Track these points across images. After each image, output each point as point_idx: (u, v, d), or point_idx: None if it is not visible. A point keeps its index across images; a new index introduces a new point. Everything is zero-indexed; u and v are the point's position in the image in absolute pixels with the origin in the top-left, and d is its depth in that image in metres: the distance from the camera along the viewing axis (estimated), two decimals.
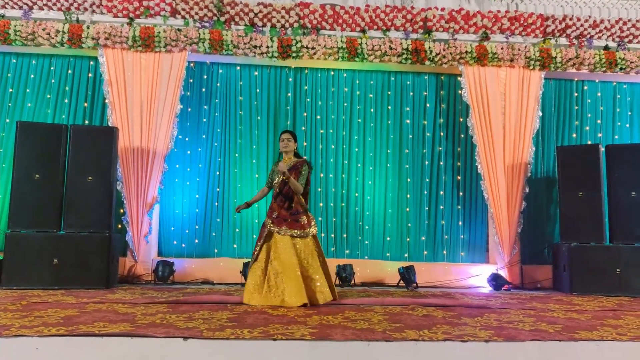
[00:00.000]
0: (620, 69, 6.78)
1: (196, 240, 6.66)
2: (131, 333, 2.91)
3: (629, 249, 5.76)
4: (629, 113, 7.20)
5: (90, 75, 6.71)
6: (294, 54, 6.48)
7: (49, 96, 6.62)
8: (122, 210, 6.24)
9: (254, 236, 6.47)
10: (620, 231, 5.89)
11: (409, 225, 6.90)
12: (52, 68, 6.68)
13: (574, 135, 7.13)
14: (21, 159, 5.41)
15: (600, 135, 7.12)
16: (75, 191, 5.49)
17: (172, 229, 6.65)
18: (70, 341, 2.80)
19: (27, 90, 6.60)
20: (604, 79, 7.15)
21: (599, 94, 7.20)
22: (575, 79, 7.17)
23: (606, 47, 6.86)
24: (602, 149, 6.14)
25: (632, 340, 3.07)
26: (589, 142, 7.00)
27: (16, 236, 5.29)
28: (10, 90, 6.59)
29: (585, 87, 7.20)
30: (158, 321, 3.33)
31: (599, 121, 7.16)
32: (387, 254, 6.81)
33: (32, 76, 6.64)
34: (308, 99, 7.00)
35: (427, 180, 6.98)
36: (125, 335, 2.87)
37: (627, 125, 7.17)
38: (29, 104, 6.58)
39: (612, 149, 6.12)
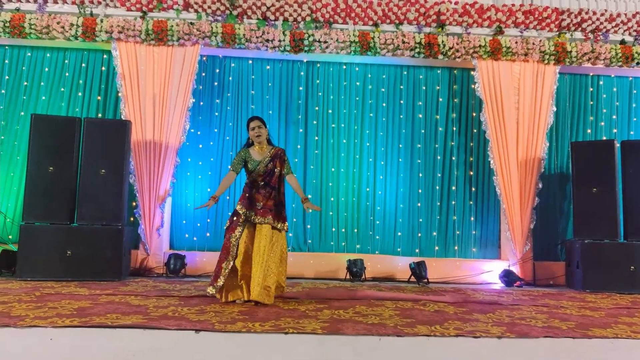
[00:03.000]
0: (637, 63, 6.66)
1: (208, 234, 6.69)
2: (144, 325, 2.94)
3: None
4: None
5: (103, 68, 6.75)
6: (306, 48, 6.46)
7: (62, 89, 6.67)
8: (134, 203, 6.29)
9: None
10: (635, 228, 5.81)
11: (421, 220, 6.87)
12: (66, 61, 6.73)
13: (589, 130, 7.04)
14: (35, 152, 5.46)
15: (615, 131, 7.02)
16: (88, 184, 5.54)
17: (184, 222, 6.69)
18: (84, 332, 2.84)
19: (42, 84, 6.66)
20: (620, 74, 7.04)
21: (614, 89, 7.10)
22: (591, 74, 7.07)
23: (622, 42, 6.74)
24: (618, 145, 6.04)
25: None
26: (604, 138, 6.90)
27: (30, 228, 5.35)
28: (25, 83, 6.66)
29: (601, 82, 7.10)
30: (170, 314, 3.35)
31: (614, 117, 7.06)
32: (398, 249, 6.80)
33: (46, 69, 6.70)
34: (320, 93, 6.98)
35: (439, 175, 6.95)
36: (138, 327, 2.90)
37: None
38: (44, 97, 6.63)
39: (628, 145, 6.03)
